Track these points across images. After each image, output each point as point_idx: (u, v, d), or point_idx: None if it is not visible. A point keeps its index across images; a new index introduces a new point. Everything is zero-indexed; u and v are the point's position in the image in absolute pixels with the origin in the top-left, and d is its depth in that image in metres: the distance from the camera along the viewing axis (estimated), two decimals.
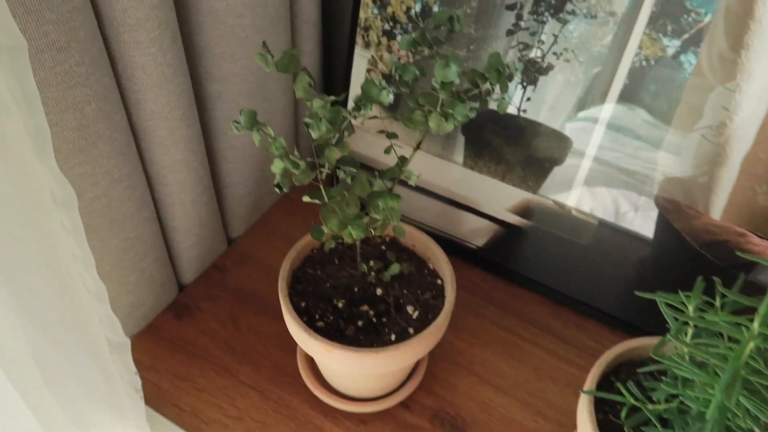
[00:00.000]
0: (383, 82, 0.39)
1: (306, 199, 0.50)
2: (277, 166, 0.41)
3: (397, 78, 0.48)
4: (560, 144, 0.69)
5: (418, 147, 0.52)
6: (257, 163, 0.77)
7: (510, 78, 0.46)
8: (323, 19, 0.79)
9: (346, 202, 0.47)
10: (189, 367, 0.69)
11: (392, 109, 0.75)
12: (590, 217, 0.70)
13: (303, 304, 0.59)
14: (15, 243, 0.43)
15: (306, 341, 0.55)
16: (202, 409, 0.66)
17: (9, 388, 0.47)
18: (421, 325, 0.58)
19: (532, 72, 0.68)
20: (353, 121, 0.44)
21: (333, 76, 0.87)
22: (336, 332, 0.57)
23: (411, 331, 0.58)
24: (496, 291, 0.79)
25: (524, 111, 0.70)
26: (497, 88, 0.46)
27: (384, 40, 0.73)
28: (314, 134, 0.41)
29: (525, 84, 0.69)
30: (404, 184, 0.55)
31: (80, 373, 0.53)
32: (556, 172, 0.70)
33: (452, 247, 0.80)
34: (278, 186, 0.41)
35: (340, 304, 0.60)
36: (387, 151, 0.54)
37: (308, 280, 0.62)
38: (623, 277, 0.70)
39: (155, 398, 0.66)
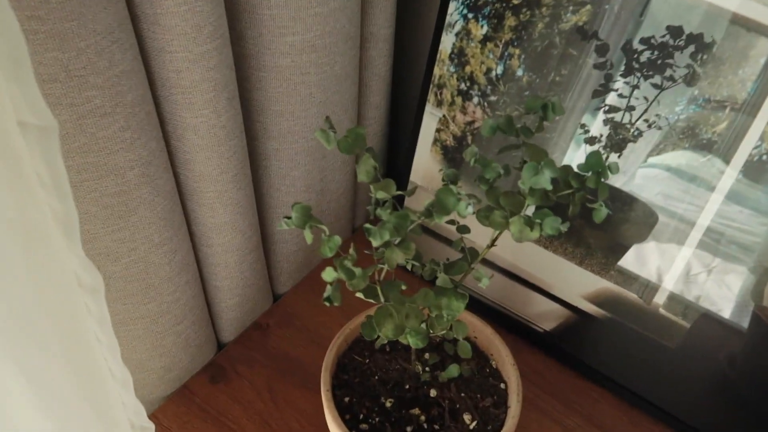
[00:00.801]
0: (462, 192, 0.32)
1: (360, 295, 0.44)
2: (329, 275, 0.35)
3: (471, 161, 0.41)
4: (647, 220, 0.61)
5: (492, 244, 0.45)
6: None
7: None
8: (394, 74, 0.73)
9: (406, 313, 0.40)
10: None
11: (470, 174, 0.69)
12: (680, 318, 0.61)
13: (347, 400, 0.53)
14: (36, 328, 0.38)
15: None
16: None
17: None
18: None
19: (626, 138, 0.60)
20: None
21: (400, 133, 0.81)
22: None
23: None
24: (561, 383, 0.70)
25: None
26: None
27: (458, 100, 0.67)
28: (375, 242, 0.35)
29: (608, 149, 0.61)
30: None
31: None
32: (648, 254, 0.62)
33: (515, 326, 0.73)
34: (328, 300, 0.35)
35: (388, 404, 0.53)
36: (456, 246, 0.47)
37: (355, 370, 0.55)
38: (708, 378, 0.61)
39: None
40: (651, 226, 0.63)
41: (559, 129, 0.63)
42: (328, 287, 0.35)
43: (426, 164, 0.73)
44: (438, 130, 0.70)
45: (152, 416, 0.66)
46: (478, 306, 0.74)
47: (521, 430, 0.66)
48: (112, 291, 0.53)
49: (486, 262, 0.72)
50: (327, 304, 0.35)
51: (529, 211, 0.40)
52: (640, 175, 0.61)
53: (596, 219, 0.39)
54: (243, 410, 0.66)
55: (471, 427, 0.51)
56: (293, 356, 0.72)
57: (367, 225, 0.35)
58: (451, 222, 0.47)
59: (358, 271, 0.37)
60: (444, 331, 0.43)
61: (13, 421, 0.41)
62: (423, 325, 0.45)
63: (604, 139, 0.61)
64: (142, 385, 0.64)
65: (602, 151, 0.62)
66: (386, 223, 0.35)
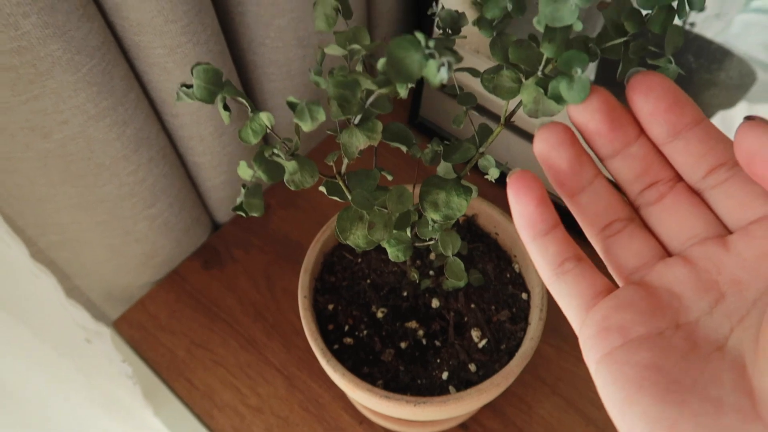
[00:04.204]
0: (431, 43, 0.19)
1: (322, 190, 0.33)
2: (244, 172, 0.24)
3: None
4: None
5: (506, 121, 0.32)
6: (310, 82, 0.59)
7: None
8: None
9: (369, 220, 0.29)
10: (210, 332, 0.58)
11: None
12: None
13: (330, 307, 0.44)
14: None
15: (324, 366, 0.41)
16: (217, 389, 0.55)
17: None
18: (488, 360, 0.41)
19: None
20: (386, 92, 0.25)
21: None
22: (368, 354, 0.42)
23: (472, 368, 0.41)
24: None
25: (691, 25, 0.45)
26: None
27: None
28: (304, 126, 0.23)
29: None
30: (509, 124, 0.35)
31: (52, 363, 0.42)
32: None
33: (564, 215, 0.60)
34: (240, 209, 0.24)
35: (379, 314, 0.43)
36: (457, 122, 0.34)
37: (344, 270, 0.45)
38: None
39: (167, 368, 0.56)
40: (745, 88, 0.47)
41: None
42: (242, 190, 0.24)
43: None
44: None
45: (139, 302, 0.60)
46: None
47: (556, 336, 0.56)
48: (54, 171, 0.45)
49: (518, 130, 0.58)
50: (242, 214, 0.24)
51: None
52: (738, 22, 0.44)
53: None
54: (237, 300, 0.59)
55: (480, 345, 0.42)
56: (295, 241, 0.63)
57: (290, 98, 0.23)
58: (448, 92, 0.33)
59: (291, 165, 0.26)
60: (431, 242, 0.32)
61: None
62: (408, 232, 0.33)
63: None
64: (125, 270, 0.58)
65: None
66: (326, 95, 0.23)
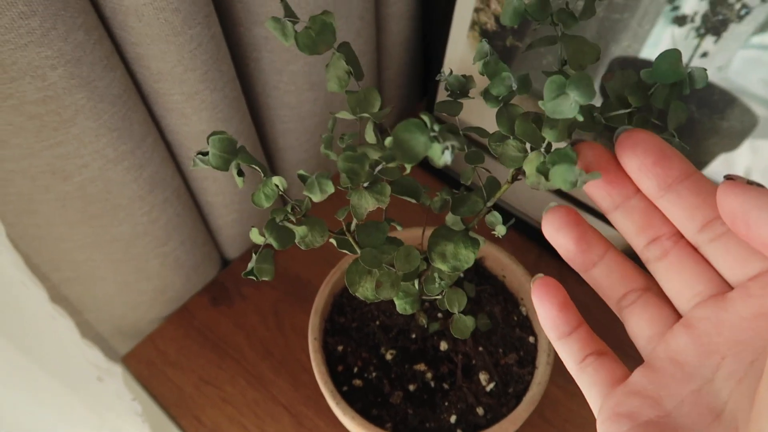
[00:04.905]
0: (436, 127, 0.20)
1: (333, 242, 0.34)
2: (256, 237, 0.25)
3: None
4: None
5: (513, 179, 0.33)
6: (320, 123, 0.60)
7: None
8: None
9: (377, 278, 0.30)
10: (218, 369, 0.58)
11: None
12: None
13: (340, 348, 0.45)
14: None
15: (333, 408, 0.41)
16: (224, 427, 0.55)
17: None
18: (496, 403, 0.41)
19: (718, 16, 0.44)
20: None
21: (432, 12, 0.66)
22: (377, 396, 0.42)
23: (479, 411, 0.41)
24: (616, 323, 0.59)
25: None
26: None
27: None
28: (314, 197, 0.24)
29: (703, 32, 0.45)
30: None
31: (65, 402, 0.42)
32: None
33: None
34: (252, 273, 0.25)
35: (389, 356, 0.44)
36: (465, 177, 0.35)
37: (354, 312, 0.46)
38: None
39: (175, 404, 0.56)
40: (747, 132, 0.48)
41: (637, 6, 0.47)
42: (253, 255, 0.25)
43: (462, 53, 0.59)
44: (477, 10, 0.55)
45: (148, 338, 0.60)
46: (521, 226, 0.62)
47: (563, 377, 0.56)
48: (71, 212, 0.46)
49: None
50: (253, 278, 0.25)
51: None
52: (738, 59, 0.46)
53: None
54: (245, 337, 0.60)
55: (487, 389, 0.42)
56: (304, 279, 0.64)
57: (301, 172, 0.24)
58: (461, 147, 0.34)
59: (301, 229, 0.27)
60: (438, 297, 0.33)
61: None
62: (416, 284, 0.34)
63: (698, 19, 0.45)
64: (135, 305, 0.58)
65: (694, 34, 0.46)
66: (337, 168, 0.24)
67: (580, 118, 0.21)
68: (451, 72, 0.29)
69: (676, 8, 0.45)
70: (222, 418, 0.56)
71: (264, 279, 0.25)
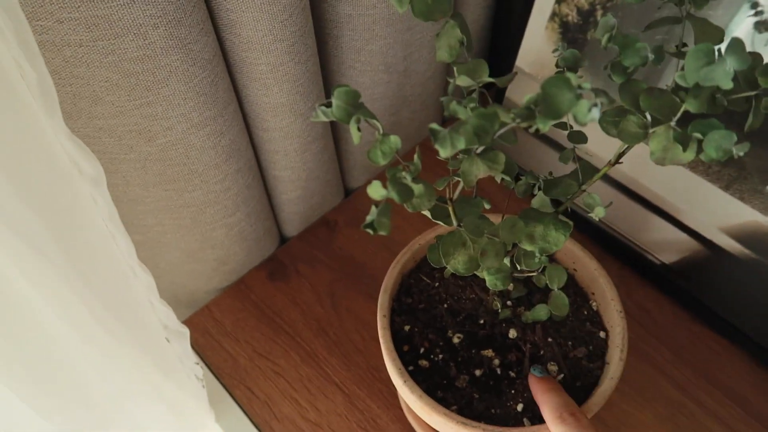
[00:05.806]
0: (584, 85, 0.20)
1: (426, 214, 0.34)
2: (376, 192, 0.25)
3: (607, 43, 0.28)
4: None
5: (616, 161, 0.32)
6: (390, 106, 0.60)
7: None
8: None
9: (482, 248, 0.30)
10: (272, 343, 0.59)
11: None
12: None
13: (407, 328, 0.44)
14: (50, 220, 0.31)
15: (400, 386, 0.41)
16: (277, 399, 0.55)
17: (59, 376, 0.39)
18: None
19: None
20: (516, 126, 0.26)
21: (510, 2, 0.65)
22: (443, 379, 0.42)
23: None
24: (676, 329, 0.58)
25: None
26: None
27: None
28: (443, 152, 0.24)
29: None
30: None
31: (133, 360, 0.43)
32: None
33: (626, 253, 0.60)
34: (370, 227, 0.25)
35: (455, 339, 0.44)
36: (565, 158, 0.35)
37: (421, 293, 0.46)
38: None
39: (229, 374, 0.57)
40: None
41: (717, 5, 0.46)
42: (373, 209, 0.25)
43: (539, 46, 0.58)
44: (559, 1, 0.54)
45: (206, 307, 0.61)
46: (583, 225, 0.61)
47: (620, 378, 0.55)
48: (150, 174, 0.46)
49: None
50: (370, 231, 0.25)
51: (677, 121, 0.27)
52: None
53: None
54: (301, 314, 0.60)
55: (556, 379, 0.42)
56: (360, 261, 0.64)
57: (433, 125, 0.24)
58: (563, 125, 0.34)
59: (417, 188, 0.27)
60: (534, 274, 0.32)
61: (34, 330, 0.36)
62: (506, 261, 0.34)
63: None
64: (196, 274, 0.59)
65: None
66: (463, 125, 0.24)
67: (729, 85, 0.21)
68: (567, 46, 0.29)
69: (759, 13, 0.44)
70: (274, 390, 0.56)
71: (381, 233, 0.25)
